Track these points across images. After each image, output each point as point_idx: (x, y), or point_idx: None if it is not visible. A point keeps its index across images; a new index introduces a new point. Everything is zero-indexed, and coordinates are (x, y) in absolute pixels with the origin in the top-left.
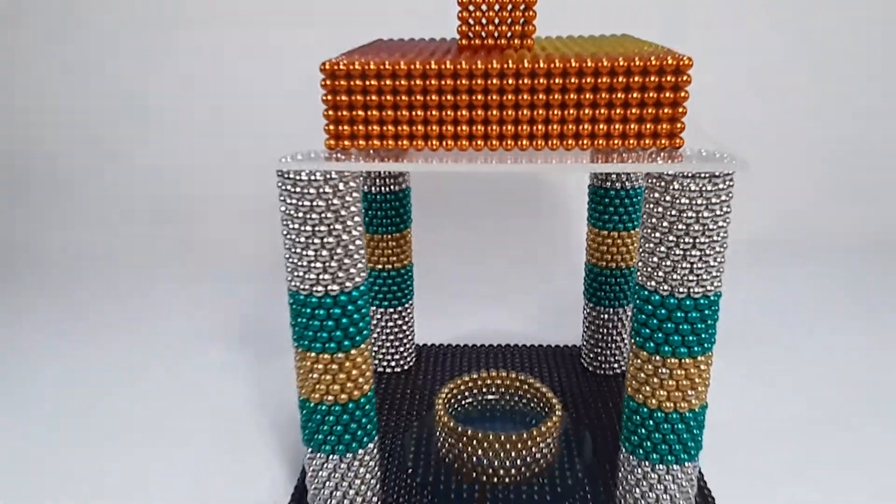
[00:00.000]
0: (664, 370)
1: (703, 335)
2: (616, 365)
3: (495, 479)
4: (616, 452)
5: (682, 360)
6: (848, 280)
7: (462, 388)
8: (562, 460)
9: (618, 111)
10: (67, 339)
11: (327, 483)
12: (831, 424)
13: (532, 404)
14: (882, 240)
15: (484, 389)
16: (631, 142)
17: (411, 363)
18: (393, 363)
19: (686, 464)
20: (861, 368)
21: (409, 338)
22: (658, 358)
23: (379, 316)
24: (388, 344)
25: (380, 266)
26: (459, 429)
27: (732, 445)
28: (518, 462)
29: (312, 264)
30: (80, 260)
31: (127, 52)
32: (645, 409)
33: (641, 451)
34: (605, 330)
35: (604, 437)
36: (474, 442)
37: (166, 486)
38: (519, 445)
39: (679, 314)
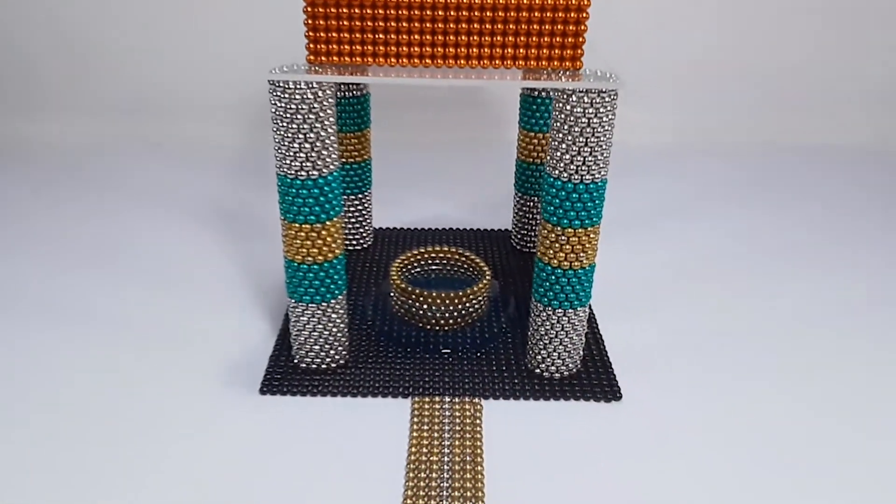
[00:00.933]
0: (563, 237)
1: (591, 211)
2: None
3: (437, 328)
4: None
5: (576, 230)
6: (731, 176)
7: (412, 259)
8: (489, 314)
9: (533, 38)
10: (48, 224)
11: (307, 325)
12: (699, 274)
13: (468, 273)
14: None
15: (430, 261)
16: (543, 63)
17: (370, 242)
18: (354, 242)
19: (578, 308)
20: (738, 234)
21: (368, 221)
22: (559, 229)
23: (344, 202)
24: (351, 226)
25: (343, 159)
26: (409, 289)
27: (618, 294)
28: (455, 315)
29: (297, 154)
30: (55, 149)
31: None
32: (549, 268)
33: (546, 300)
34: (531, 215)
35: (525, 299)
36: (421, 299)
37: (158, 335)
38: (456, 301)
39: (574, 195)
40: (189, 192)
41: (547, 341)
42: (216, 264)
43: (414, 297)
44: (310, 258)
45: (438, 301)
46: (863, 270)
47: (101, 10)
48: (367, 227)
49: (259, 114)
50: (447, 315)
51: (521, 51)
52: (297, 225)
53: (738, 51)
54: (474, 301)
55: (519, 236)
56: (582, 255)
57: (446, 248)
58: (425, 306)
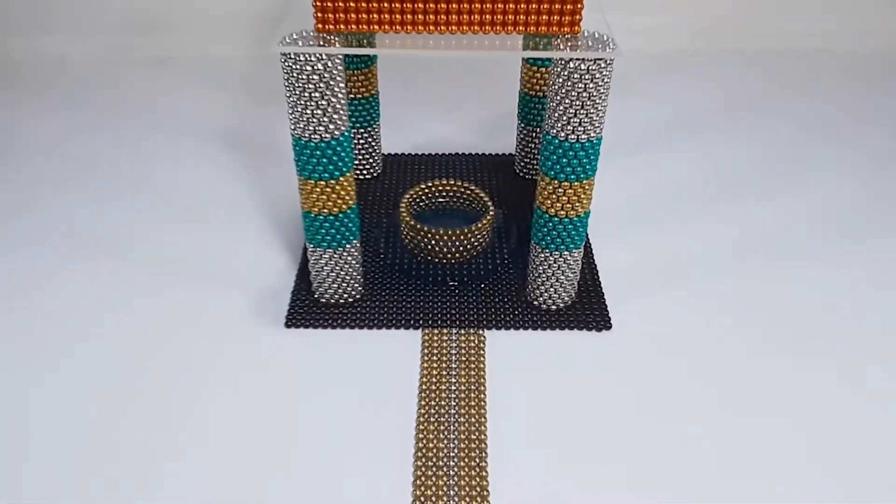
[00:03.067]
0: (560, 190)
1: (587, 167)
2: None
3: (444, 260)
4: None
5: (572, 184)
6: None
7: (420, 193)
8: (493, 246)
9: (533, 5)
10: (55, 149)
11: (324, 268)
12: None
13: (473, 205)
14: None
15: (436, 194)
16: (542, 28)
17: (379, 171)
18: (365, 172)
19: (573, 250)
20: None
21: (377, 151)
22: (556, 182)
23: (353, 135)
24: (361, 157)
25: (351, 95)
26: (418, 225)
27: (614, 217)
28: (461, 248)
29: (310, 119)
30: (57, 68)
31: None
32: (546, 216)
33: (544, 243)
34: (533, 144)
35: (526, 228)
36: (428, 235)
37: (178, 269)
38: (461, 237)
39: (570, 153)
40: (199, 111)
41: (545, 279)
42: (231, 192)
43: (423, 233)
44: (325, 210)
45: (445, 237)
46: (864, 187)
47: None
48: (375, 157)
49: (268, 27)
50: (453, 249)
51: (522, 17)
52: (312, 182)
53: None
54: (479, 236)
55: (522, 164)
56: (577, 204)
57: (451, 182)
58: (433, 242)
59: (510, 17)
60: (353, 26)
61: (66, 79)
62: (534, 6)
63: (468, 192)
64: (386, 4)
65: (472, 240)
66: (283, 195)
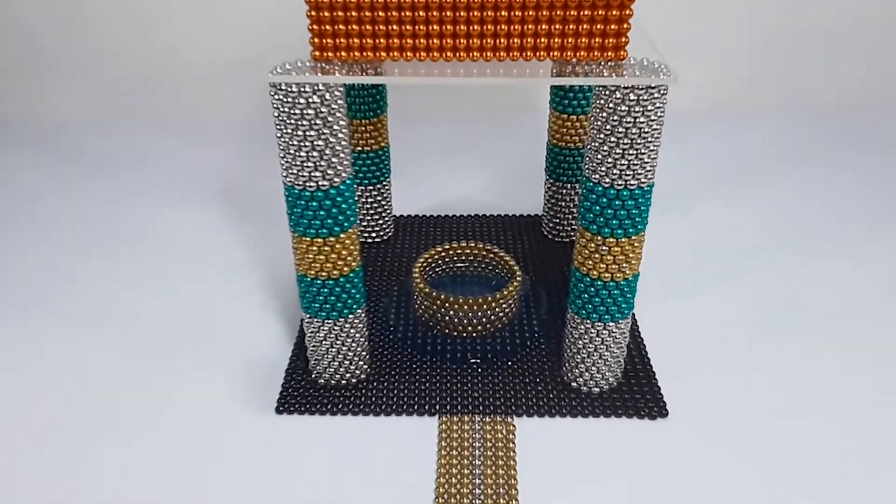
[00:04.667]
0: (604, 248)
1: (636, 220)
2: (572, 233)
3: (464, 334)
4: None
5: (619, 240)
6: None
7: (436, 256)
8: (521, 317)
9: (570, 26)
10: (54, 208)
11: (323, 342)
12: (751, 258)
13: (497, 270)
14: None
15: (455, 258)
16: (581, 53)
17: (390, 233)
18: (374, 234)
19: (619, 321)
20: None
21: (388, 211)
22: (599, 238)
23: (360, 193)
24: (369, 217)
25: (359, 148)
26: (434, 293)
27: (658, 278)
28: (483, 320)
29: (304, 163)
30: (60, 127)
31: None
32: (588, 279)
33: (584, 312)
34: (563, 203)
35: (558, 296)
36: (446, 304)
37: (167, 337)
38: (484, 307)
39: (617, 202)
40: (197, 169)
41: (585, 355)
42: (227, 253)
43: (440, 302)
44: (324, 273)
45: (465, 306)
46: None
47: None
48: (386, 218)
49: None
50: (475, 321)
51: (556, 40)
52: (308, 239)
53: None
54: (504, 305)
55: (551, 225)
56: (625, 265)
57: (472, 244)
58: (451, 312)
59: (542, 40)
60: (357, 53)
61: (59, 137)
62: (570, 27)
63: (491, 255)
64: (395, 27)
65: (497, 309)
66: (282, 256)
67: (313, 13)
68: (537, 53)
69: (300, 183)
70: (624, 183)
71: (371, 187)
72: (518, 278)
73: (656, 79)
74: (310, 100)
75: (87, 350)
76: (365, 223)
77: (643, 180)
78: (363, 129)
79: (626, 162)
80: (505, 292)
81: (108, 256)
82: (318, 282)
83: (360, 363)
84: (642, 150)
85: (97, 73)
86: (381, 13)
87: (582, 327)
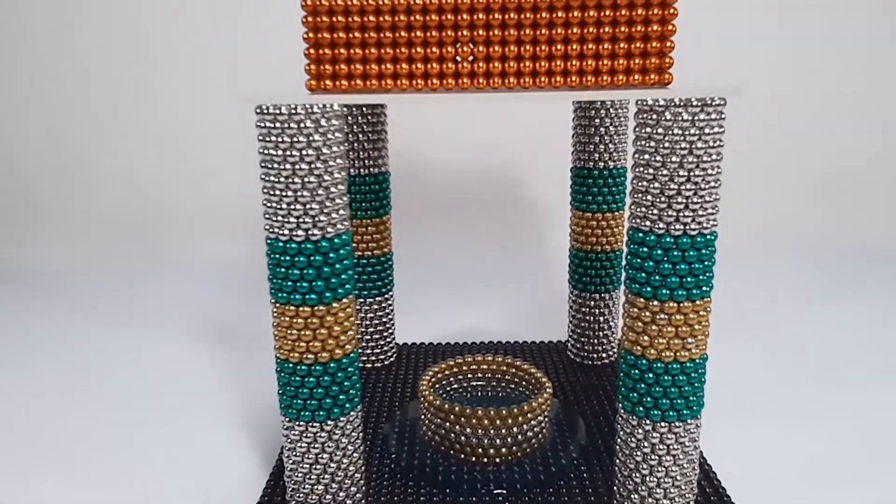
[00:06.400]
0: (662, 315)
1: (700, 276)
2: (605, 354)
3: (485, 461)
4: (612, 437)
5: (681, 304)
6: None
7: (447, 372)
8: (554, 442)
9: (605, 46)
10: (56, 337)
11: (306, 456)
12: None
13: (521, 388)
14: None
15: (469, 375)
16: (620, 78)
17: (392, 358)
18: (374, 358)
19: (689, 420)
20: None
21: (390, 331)
22: (655, 303)
23: (359, 307)
24: (369, 337)
25: (359, 252)
26: (446, 406)
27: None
28: (509, 440)
29: (292, 206)
30: (42, 274)
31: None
32: (643, 361)
33: (641, 409)
34: (592, 317)
35: (598, 424)
36: (462, 420)
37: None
38: (510, 421)
39: (676, 253)
40: (181, 313)
41: (646, 471)
42: (205, 387)
43: (453, 417)
44: (310, 356)
45: (486, 422)
46: None
47: (95, 132)
48: (388, 339)
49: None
50: (499, 441)
51: (590, 63)
52: (292, 308)
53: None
54: (534, 422)
55: (579, 345)
56: (689, 339)
57: (489, 358)
58: (468, 430)
59: (573, 64)
60: (359, 82)
61: (50, 287)
62: (605, 48)
63: (513, 369)
64: (404, 50)
65: (526, 427)
66: (260, 387)
67: (310, 35)
68: (568, 79)
69: (286, 233)
70: (683, 228)
71: (371, 300)
72: (548, 390)
73: (712, 91)
74: (302, 125)
75: (61, 487)
76: (364, 344)
77: (705, 225)
78: (364, 230)
79: (684, 199)
80: (534, 404)
81: (83, 391)
82: (303, 368)
83: (353, 490)
84: (702, 185)
85: (83, 217)
86: (387, 34)
87: (639, 431)
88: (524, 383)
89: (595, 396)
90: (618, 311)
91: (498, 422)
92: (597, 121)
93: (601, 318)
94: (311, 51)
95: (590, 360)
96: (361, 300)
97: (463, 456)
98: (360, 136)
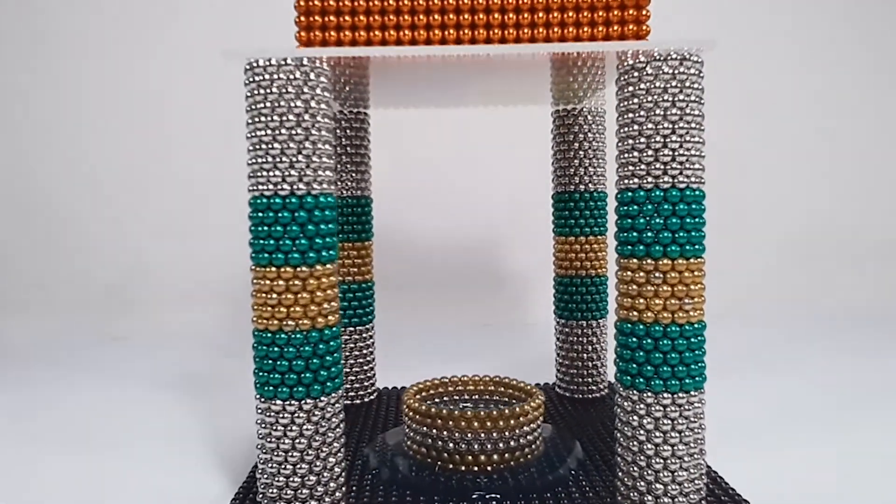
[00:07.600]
0: (657, 274)
1: (692, 232)
2: (594, 387)
3: (474, 468)
4: (610, 456)
5: (675, 261)
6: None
7: (431, 391)
8: (549, 455)
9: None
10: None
11: (282, 443)
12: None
13: (511, 404)
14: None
15: (456, 396)
16: (599, 29)
17: (373, 396)
18: (353, 394)
19: (692, 391)
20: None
21: (371, 366)
22: (649, 261)
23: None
24: (348, 370)
25: (341, 278)
26: (433, 409)
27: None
28: (500, 444)
29: (278, 159)
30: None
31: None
32: (640, 327)
33: (642, 380)
34: (581, 346)
35: (595, 449)
36: (450, 423)
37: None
38: (500, 423)
39: (666, 206)
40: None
41: (651, 451)
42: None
43: (440, 422)
44: (291, 323)
45: (476, 424)
46: None
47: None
48: (369, 374)
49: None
50: (489, 446)
51: (571, 15)
52: (273, 269)
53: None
54: (527, 428)
55: (567, 378)
56: (686, 300)
57: (475, 377)
58: (457, 434)
59: (555, 16)
60: (348, 33)
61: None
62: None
63: (501, 388)
64: (392, 2)
65: (518, 433)
66: (234, 424)
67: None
68: (549, 30)
69: (270, 188)
70: (671, 181)
71: (352, 328)
72: (540, 397)
73: (690, 44)
74: (290, 76)
75: None
76: (344, 377)
77: (693, 179)
78: (346, 254)
79: (671, 152)
80: (526, 407)
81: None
82: (282, 336)
83: (333, 486)
84: (686, 137)
85: (51, 295)
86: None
87: (641, 407)
88: (514, 401)
89: (591, 424)
90: (607, 341)
91: (489, 424)
92: (576, 144)
93: (589, 348)
94: (301, 3)
95: (579, 394)
96: (342, 329)
97: (452, 465)
98: (344, 157)
